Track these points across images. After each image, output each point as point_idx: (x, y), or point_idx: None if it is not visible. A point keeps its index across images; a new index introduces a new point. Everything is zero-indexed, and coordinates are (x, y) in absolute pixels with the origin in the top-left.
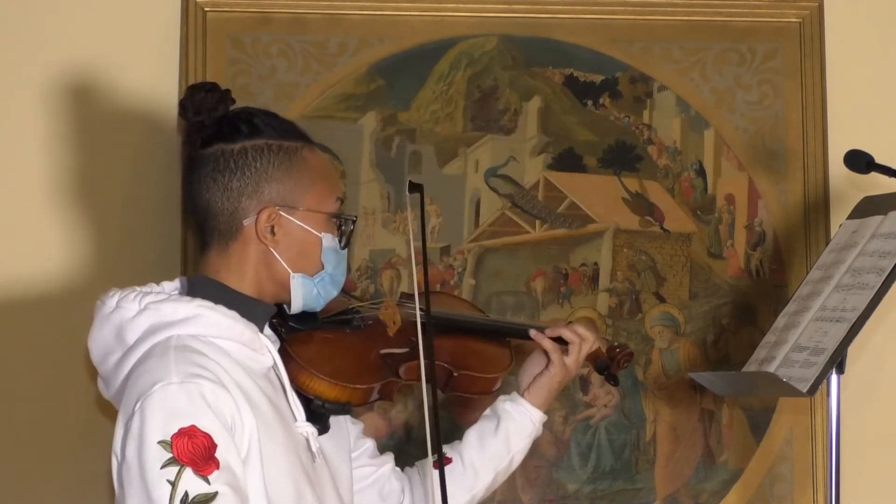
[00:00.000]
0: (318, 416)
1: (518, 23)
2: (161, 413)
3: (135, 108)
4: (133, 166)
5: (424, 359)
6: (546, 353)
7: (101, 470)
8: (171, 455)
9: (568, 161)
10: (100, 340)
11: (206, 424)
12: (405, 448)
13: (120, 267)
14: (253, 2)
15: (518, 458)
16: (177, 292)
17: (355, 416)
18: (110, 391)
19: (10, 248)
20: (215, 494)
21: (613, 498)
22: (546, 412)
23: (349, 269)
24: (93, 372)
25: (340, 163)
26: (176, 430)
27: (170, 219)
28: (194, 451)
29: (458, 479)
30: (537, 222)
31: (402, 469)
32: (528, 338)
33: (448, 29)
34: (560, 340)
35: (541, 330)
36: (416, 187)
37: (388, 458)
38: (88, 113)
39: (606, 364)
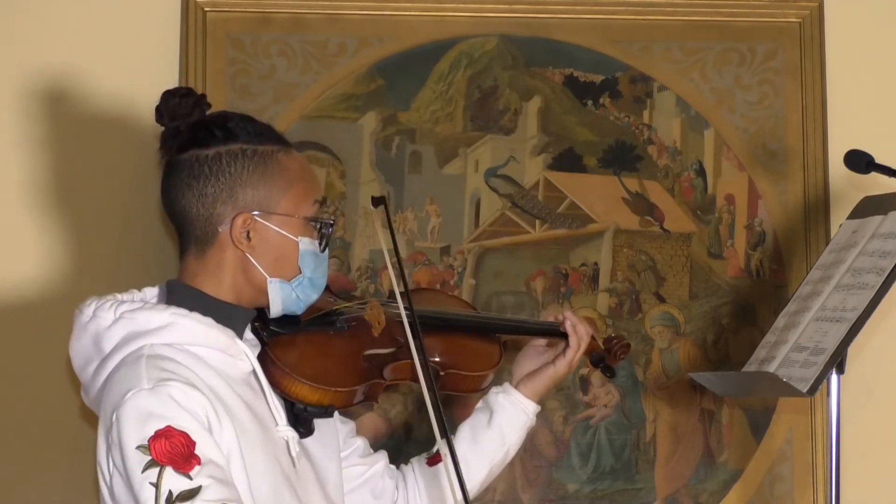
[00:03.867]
0: (302, 419)
1: (518, 23)
2: (135, 419)
3: (134, 108)
4: (133, 167)
5: (419, 358)
6: (563, 347)
7: (85, 477)
8: (150, 458)
9: (568, 161)
10: (79, 349)
11: (181, 423)
12: (405, 448)
13: (119, 269)
14: (253, 2)
15: (513, 451)
16: (156, 299)
17: (350, 415)
18: (89, 399)
19: (7, 251)
20: (199, 489)
21: (613, 498)
22: (540, 403)
23: (349, 269)
24: (75, 379)
25: (340, 163)
26: (152, 433)
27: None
28: (172, 450)
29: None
30: (537, 222)
31: (398, 467)
32: (554, 332)
33: (448, 29)
34: (563, 335)
35: (548, 327)
36: (379, 201)
37: (381, 457)
38: (88, 113)
39: (602, 356)
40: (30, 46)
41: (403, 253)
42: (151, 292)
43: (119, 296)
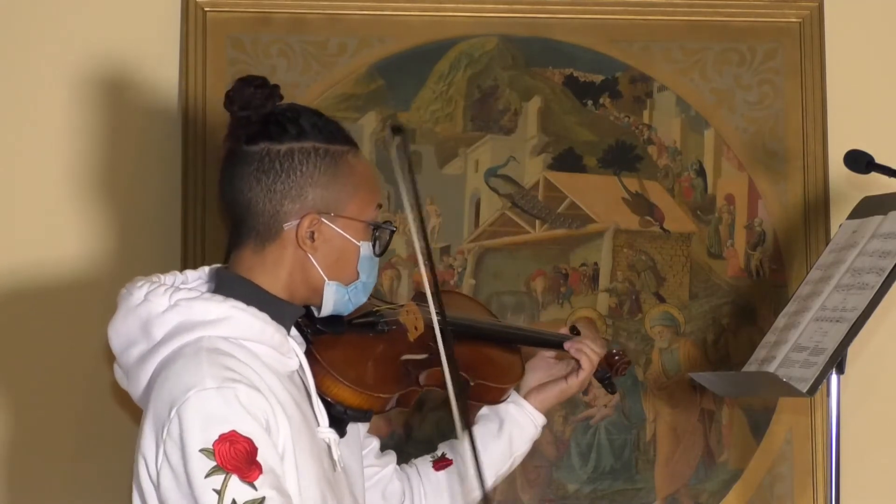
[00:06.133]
0: (338, 421)
1: (518, 23)
2: (199, 420)
3: (134, 107)
4: (132, 166)
5: (447, 362)
6: (576, 367)
7: (114, 458)
8: (215, 463)
9: (568, 161)
10: (122, 330)
11: (246, 428)
12: (405, 448)
13: (120, 263)
14: (253, 2)
15: (517, 462)
16: (200, 282)
17: None
18: (132, 385)
19: (4, 245)
20: (263, 500)
21: (613, 498)
22: (546, 416)
23: None
24: (108, 360)
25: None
26: (217, 437)
27: (169, 218)
28: (237, 456)
29: (459, 481)
30: (537, 222)
31: (400, 466)
32: (561, 349)
33: (448, 29)
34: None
35: (562, 341)
36: (397, 129)
37: (391, 458)
38: (87, 112)
39: (606, 373)
40: (29, 45)
41: (403, 253)
42: (193, 275)
43: (162, 277)
